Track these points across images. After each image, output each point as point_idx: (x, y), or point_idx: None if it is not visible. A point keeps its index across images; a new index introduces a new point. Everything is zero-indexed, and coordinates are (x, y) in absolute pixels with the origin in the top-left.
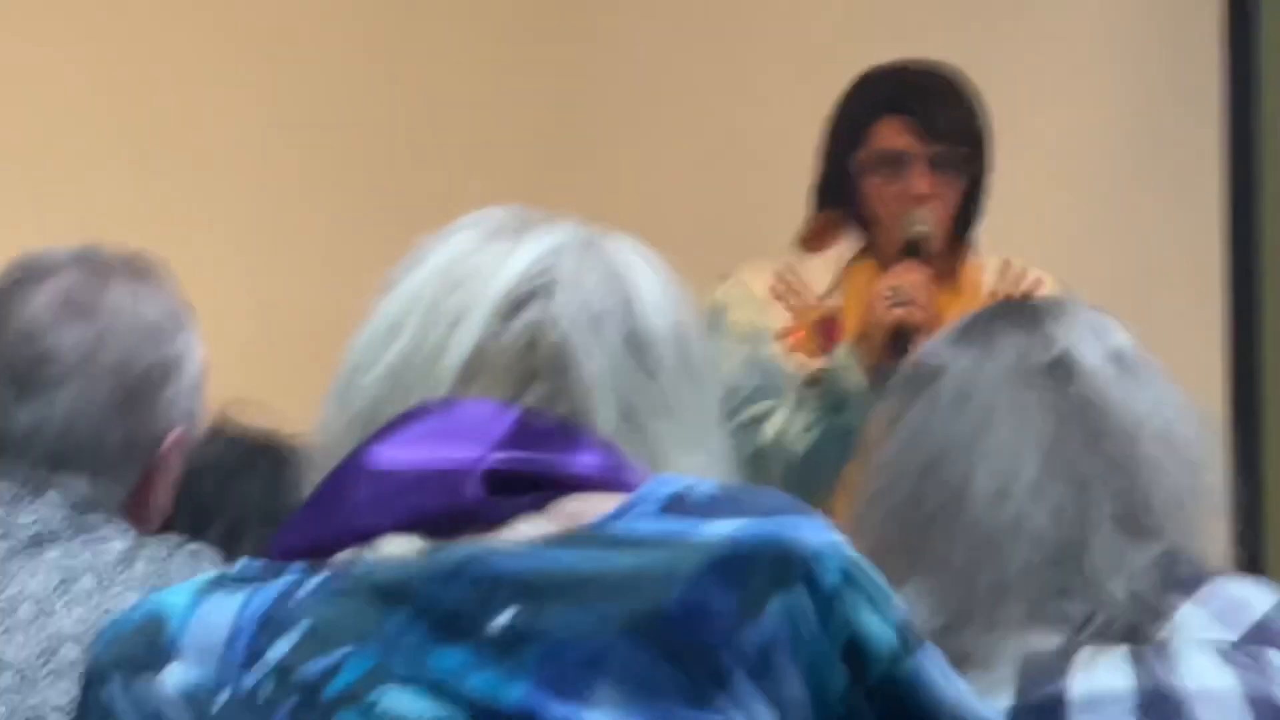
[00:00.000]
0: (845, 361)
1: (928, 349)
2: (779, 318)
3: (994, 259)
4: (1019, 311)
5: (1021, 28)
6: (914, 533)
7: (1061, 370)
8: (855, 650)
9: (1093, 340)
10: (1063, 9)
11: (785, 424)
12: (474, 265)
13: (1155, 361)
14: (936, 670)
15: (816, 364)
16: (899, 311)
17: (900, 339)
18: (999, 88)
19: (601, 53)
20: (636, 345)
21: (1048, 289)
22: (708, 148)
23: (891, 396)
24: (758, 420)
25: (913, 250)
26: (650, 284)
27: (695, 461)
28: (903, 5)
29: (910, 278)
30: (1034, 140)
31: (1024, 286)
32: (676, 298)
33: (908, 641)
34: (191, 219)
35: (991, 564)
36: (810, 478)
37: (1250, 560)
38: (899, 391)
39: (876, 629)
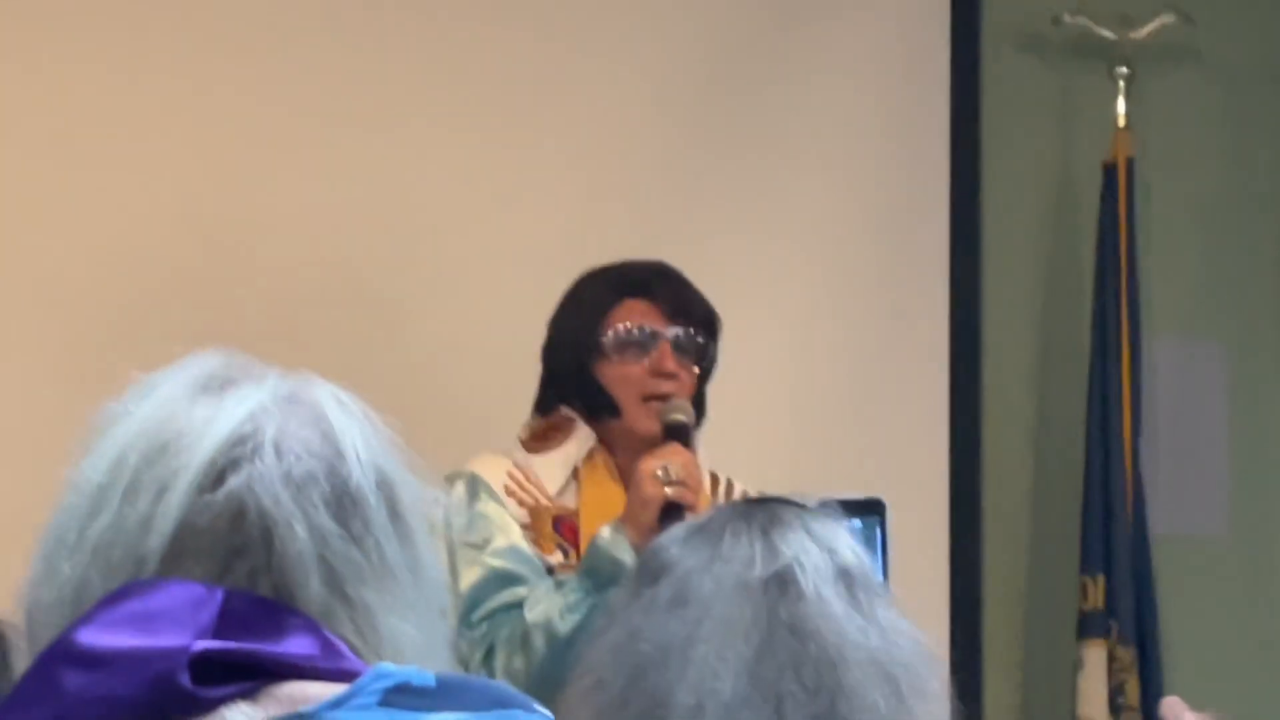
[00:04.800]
0: (611, 539)
1: (661, 543)
2: (516, 514)
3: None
4: (753, 516)
5: (743, 230)
6: None
7: (779, 586)
8: None
9: (820, 556)
10: (789, 211)
11: (549, 604)
12: (177, 429)
13: (881, 583)
14: None
15: (557, 560)
16: (670, 491)
17: (670, 518)
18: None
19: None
20: (342, 508)
21: None
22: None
23: (622, 586)
24: (519, 602)
25: (675, 435)
26: (356, 436)
27: (406, 628)
28: (630, 210)
29: (679, 458)
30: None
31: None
32: (383, 447)
33: None
34: None
35: None
36: (577, 656)
37: None
38: (628, 582)
39: None
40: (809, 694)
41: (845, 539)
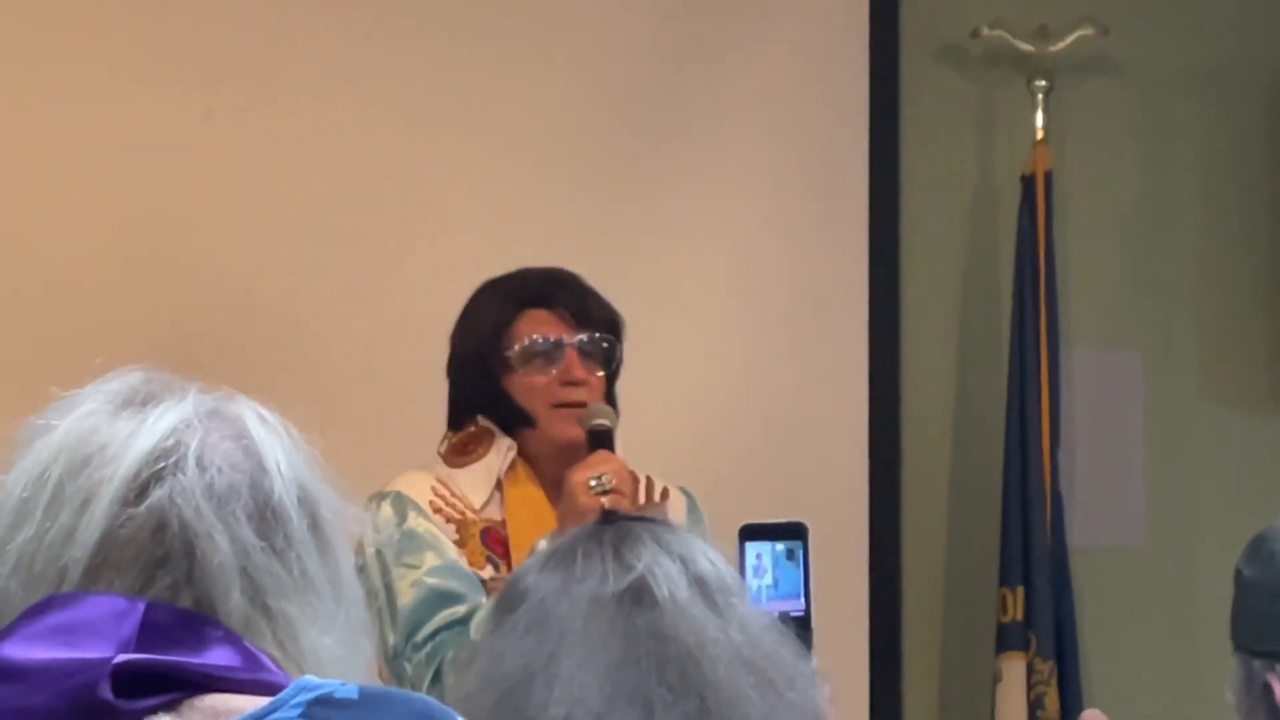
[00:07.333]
0: None
1: (521, 570)
2: (444, 530)
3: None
4: (604, 535)
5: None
6: None
7: (633, 597)
8: None
9: (672, 565)
10: (698, 228)
11: None
12: (100, 443)
13: (740, 585)
14: None
15: (488, 574)
16: (604, 500)
17: None
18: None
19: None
20: (264, 521)
21: (673, 500)
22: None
23: (489, 614)
24: (461, 619)
25: (600, 441)
26: (278, 451)
27: (326, 641)
28: (549, 222)
29: (609, 466)
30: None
31: (655, 498)
32: (304, 462)
33: None
34: None
35: None
36: None
37: None
38: (492, 610)
39: None
40: (676, 694)
41: (701, 548)
